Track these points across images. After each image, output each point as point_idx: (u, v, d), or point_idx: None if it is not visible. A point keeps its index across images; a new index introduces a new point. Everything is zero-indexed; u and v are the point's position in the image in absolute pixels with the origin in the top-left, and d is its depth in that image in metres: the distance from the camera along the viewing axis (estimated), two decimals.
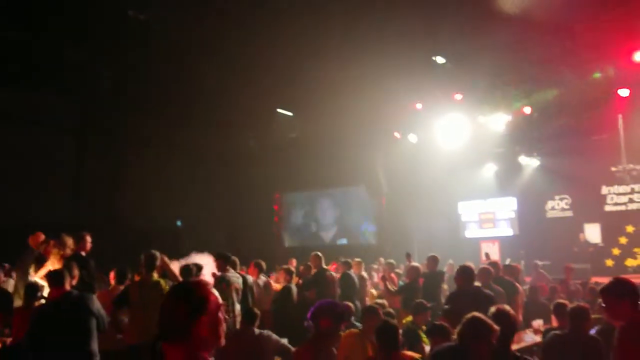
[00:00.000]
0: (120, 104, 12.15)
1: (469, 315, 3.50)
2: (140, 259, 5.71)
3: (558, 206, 15.66)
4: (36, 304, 5.53)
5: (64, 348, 4.27)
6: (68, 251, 6.21)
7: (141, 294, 5.40)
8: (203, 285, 1.84)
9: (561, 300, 5.38)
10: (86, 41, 9.96)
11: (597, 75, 11.29)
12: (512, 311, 3.53)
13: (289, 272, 8.31)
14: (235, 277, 6.72)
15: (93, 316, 4.43)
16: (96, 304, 4.56)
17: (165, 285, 5.44)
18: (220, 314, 1.83)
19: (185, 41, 10.24)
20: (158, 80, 11.44)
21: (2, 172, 10.43)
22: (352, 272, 8.74)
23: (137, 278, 6.19)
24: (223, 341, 1.83)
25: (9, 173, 10.54)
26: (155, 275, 5.60)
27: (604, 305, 3.36)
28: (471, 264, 6.11)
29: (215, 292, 1.85)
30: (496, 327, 3.37)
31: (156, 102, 12.24)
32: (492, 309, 3.50)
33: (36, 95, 10.81)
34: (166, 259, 6.03)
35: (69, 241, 6.28)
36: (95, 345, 4.44)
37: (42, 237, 6.92)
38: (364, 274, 9.75)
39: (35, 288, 5.68)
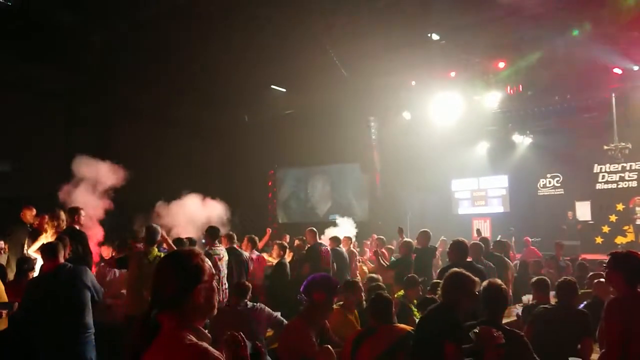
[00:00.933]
0: (113, 75, 11.95)
1: (450, 271, 3.60)
2: (140, 231, 5.75)
3: (550, 184, 15.78)
4: (29, 277, 5.57)
5: (58, 320, 4.30)
6: (63, 225, 6.22)
7: (140, 265, 5.45)
8: (197, 254, 1.84)
9: (540, 277, 5.46)
10: (79, 6, 9.74)
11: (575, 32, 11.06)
12: (503, 285, 3.59)
13: (282, 247, 8.37)
14: (220, 250, 6.76)
15: (87, 288, 4.46)
16: (90, 276, 4.59)
17: None
18: (214, 283, 1.84)
19: (180, 15, 10.07)
20: (152, 53, 11.28)
21: None
22: (342, 248, 8.84)
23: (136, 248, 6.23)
24: (216, 310, 1.84)
25: None
26: (155, 249, 5.65)
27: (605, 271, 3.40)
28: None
29: (208, 262, 1.86)
30: (476, 279, 3.47)
31: (150, 75, 12.08)
32: (484, 283, 3.56)
33: (25, 62, 10.50)
34: (164, 232, 6.08)
35: (63, 215, 6.29)
36: (90, 318, 4.49)
37: (34, 211, 6.93)
38: (354, 249, 9.85)
39: (26, 262, 5.71)
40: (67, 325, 4.35)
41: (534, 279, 5.39)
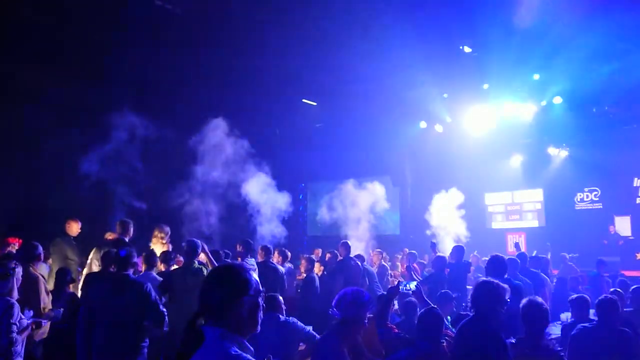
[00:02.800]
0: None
1: (481, 280, 3.54)
2: (182, 246, 5.92)
3: (587, 198, 15.38)
4: (69, 288, 5.76)
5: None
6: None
7: (184, 279, 5.53)
8: (245, 268, 1.88)
9: (580, 294, 5.30)
10: None
11: None
12: (544, 303, 3.50)
13: (310, 261, 8.35)
14: (253, 263, 6.80)
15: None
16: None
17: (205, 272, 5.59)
18: (260, 300, 1.85)
19: (211, 25, 10.23)
20: (179, 64, 11.43)
21: None
22: (369, 264, 8.81)
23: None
24: (259, 328, 1.86)
25: None
26: (196, 263, 5.75)
27: None
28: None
29: (257, 278, 1.88)
30: (505, 286, 3.43)
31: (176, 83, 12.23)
32: (524, 301, 3.48)
33: None
34: (205, 246, 6.17)
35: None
36: None
37: (79, 223, 7.28)
38: (386, 264, 9.78)
39: (68, 273, 5.94)
40: None
41: (573, 296, 5.24)
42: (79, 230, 7.36)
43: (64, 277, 5.95)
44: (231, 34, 10.60)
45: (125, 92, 10.36)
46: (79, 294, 5.93)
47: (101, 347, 4.27)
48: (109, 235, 6.96)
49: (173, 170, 10.33)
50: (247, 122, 14.26)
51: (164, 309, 4.49)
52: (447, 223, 11.23)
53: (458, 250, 7.71)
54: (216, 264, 5.92)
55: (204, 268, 5.69)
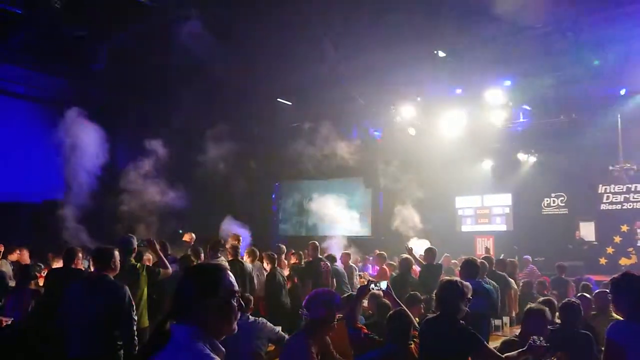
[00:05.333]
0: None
1: (445, 280, 3.69)
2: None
3: (554, 203, 15.73)
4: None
5: None
6: None
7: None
8: (220, 269, 1.85)
9: (548, 297, 5.44)
10: None
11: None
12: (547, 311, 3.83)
13: (270, 258, 8.20)
14: (222, 262, 6.74)
15: None
16: None
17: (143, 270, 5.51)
18: (234, 302, 1.82)
19: (192, 26, 10.13)
20: (160, 64, 11.32)
21: None
22: (338, 265, 8.83)
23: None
24: (235, 329, 1.83)
25: None
26: (132, 260, 5.57)
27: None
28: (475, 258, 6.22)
29: (232, 279, 1.85)
30: (468, 284, 3.66)
31: (155, 85, 12.11)
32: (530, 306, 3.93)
33: None
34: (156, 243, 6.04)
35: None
36: None
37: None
38: (354, 264, 9.86)
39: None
40: None
41: (540, 299, 5.35)
42: None
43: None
44: (209, 31, 10.51)
45: None
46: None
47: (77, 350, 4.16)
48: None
49: None
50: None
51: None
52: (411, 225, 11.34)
53: (430, 252, 7.81)
54: (166, 262, 5.83)
55: (139, 265, 5.52)
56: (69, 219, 8.22)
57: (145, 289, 5.41)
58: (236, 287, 1.86)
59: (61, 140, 8.84)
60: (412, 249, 8.67)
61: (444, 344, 3.42)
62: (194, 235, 9.42)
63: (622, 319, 3.37)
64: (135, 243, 5.60)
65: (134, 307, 4.35)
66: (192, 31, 9.66)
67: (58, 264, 6.81)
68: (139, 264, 5.56)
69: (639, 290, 3.23)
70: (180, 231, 10.64)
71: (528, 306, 4.19)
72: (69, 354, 4.17)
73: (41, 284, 6.49)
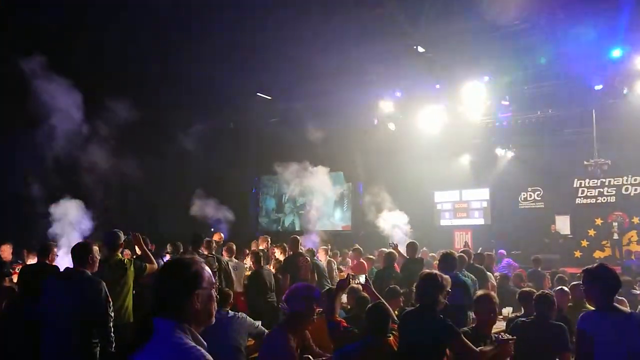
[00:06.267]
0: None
1: (424, 272, 3.75)
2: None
3: (530, 197, 15.97)
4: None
5: None
6: None
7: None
8: (197, 261, 1.88)
9: (526, 289, 5.50)
10: None
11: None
12: (495, 297, 3.81)
13: (255, 256, 8.15)
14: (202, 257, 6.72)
15: None
16: None
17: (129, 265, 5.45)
18: (213, 292, 1.86)
19: (165, 20, 10.02)
20: (139, 56, 11.16)
21: None
22: (317, 259, 8.84)
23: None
24: (213, 319, 1.86)
25: None
26: (120, 255, 5.51)
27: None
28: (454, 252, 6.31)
29: (208, 270, 1.88)
30: (447, 277, 3.73)
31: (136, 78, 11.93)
32: (479, 292, 3.69)
33: None
34: (142, 238, 5.98)
35: None
36: None
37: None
38: (332, 259, 9.87)
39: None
40: None
41: (520, 291, 5.43)
42: None
43: None
44: (187, 27, 10.41)
45: None
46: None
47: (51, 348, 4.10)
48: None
49: None
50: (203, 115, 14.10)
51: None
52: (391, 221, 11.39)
53: (412, 246, 7.88)
54: (152, 257, 5.78)
55: (126, 260, 5.47)
56: None
57: (132, 285, 5.35)
58: (214, 279, 1.90)
59: None
60: (397, 245, 8.74)
61: (422, 335, 3.48)
62: (222, 234, 9.43)
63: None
64: (122, 238, 5.52)
65: (111, 304, 4.30)
66: None
67: (33, 260, 6.68)
68: (126, 259, 5.50)
69: (610, 280, 3.32)
70: (212, 229, 10.71)
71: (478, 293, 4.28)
72: (44, 350, 4.10)
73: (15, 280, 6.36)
